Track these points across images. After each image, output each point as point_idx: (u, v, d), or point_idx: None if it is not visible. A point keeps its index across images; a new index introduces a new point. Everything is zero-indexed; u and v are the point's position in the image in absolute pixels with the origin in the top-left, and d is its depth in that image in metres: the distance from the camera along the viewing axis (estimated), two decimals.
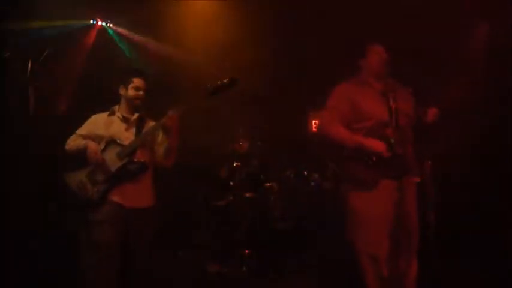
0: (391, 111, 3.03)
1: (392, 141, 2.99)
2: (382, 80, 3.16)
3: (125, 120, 3.32)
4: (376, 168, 3.02)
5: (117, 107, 3.37)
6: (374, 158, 2.99)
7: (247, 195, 5.09)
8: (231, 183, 5.22)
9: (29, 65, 3.54)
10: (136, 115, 3.33)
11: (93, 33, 5.63)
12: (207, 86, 3.08)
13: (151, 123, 3.32)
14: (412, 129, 3.13)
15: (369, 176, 3.03)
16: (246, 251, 4.71)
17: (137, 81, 3.29)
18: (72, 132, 3.35)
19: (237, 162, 5.27)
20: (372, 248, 3.02)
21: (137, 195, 3.19)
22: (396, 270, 3.04)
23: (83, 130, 3.33)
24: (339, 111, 3.14)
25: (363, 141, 3.02)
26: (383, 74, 3.15)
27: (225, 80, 3.06)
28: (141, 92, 3.29)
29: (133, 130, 3.28)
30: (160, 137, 3.27)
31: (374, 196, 3.02)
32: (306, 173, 5.44)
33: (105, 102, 3.43)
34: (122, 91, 3.32)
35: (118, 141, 3.19)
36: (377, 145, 2.98)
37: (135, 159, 3.16)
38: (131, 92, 3.28)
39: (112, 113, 3.35)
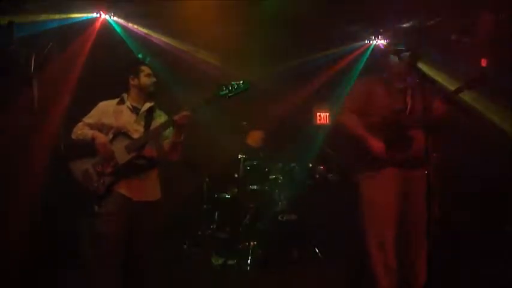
0: (407, 107, 3.15)
1: (398, 140, 3.08)
2: (403, 78, 3.24)
3: (134, 110, 3.26)
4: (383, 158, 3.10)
5: (126, 95, 3.31)
6: (371, 156, 3.10)
7: (252, 187, 5.10)
8: (236, 176, 5.22)
9: (33, 58, 3.52)
10: (146, 106, 3.29)
11: (96, 26, 5.61)
12: (222, 87, 3.10)
13: (160, 115, 3.31)
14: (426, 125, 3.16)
15: (376, 163, 3.12)
16: (251, 243, 4.72)
17: (147, 69, 3.28)
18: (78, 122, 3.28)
19: (241, 154, 5.26)
20: (378, 235, 3.09)
21: (144, 188, 3.17)
22: (406, 262, 3.08)
23: (90, 118, 3.25)
24: (356, 103, 3.27)
25: (366, 136, 3.13)
26: (402, 74, 3.22)
27: (240, 83, 3.10)
28: (153, 79, 3.28)
29: (143, 123, 3.24)
30: (168, 131, 3.25)
31: (380, 183, 3.12)
32: (310, 165, 5.43)
33: (109, 93, 3.38)
34: (133, 81, 3.28)
35: (127, 133, 3.16)
36: (377, 146, 3.09)
37: (144, 155, 3.15)
38: (145, 80, 3.26)
39: (121, 102, 3.28)
